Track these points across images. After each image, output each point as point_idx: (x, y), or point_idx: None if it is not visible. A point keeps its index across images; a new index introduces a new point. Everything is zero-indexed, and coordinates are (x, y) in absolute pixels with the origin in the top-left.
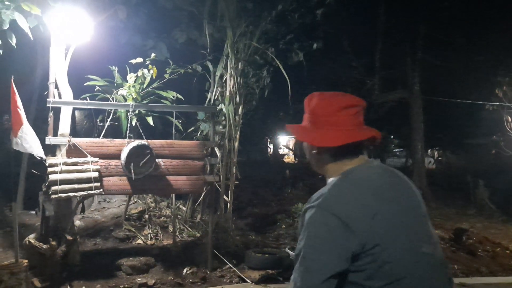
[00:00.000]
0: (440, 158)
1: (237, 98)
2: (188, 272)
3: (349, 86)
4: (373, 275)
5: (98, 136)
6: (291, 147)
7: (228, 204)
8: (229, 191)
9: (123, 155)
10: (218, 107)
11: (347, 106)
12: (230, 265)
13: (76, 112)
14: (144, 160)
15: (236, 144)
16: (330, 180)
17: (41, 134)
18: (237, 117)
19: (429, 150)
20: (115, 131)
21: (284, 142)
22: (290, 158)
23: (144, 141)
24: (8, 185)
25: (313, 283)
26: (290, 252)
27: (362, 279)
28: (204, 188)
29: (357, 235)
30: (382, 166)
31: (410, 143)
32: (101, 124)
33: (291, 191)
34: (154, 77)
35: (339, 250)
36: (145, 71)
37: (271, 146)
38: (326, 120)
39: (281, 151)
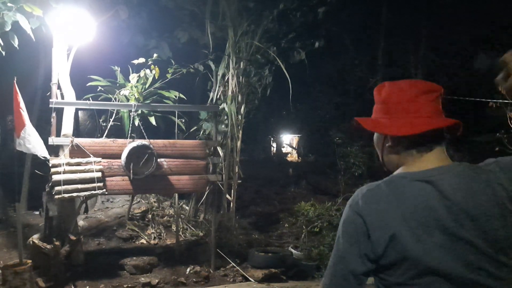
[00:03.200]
0: None
1: (239, 97)
2: (191, 271)
3: (352, 84)
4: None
5: (101, 136)
6: (294, 146)
7: (231, 203)
8: (232, 190)
9: (123, 155)
10: (221, 106)
11: (427, 91)
12: (233, 264)
13: (79, 113)
14: (144, 160)
15: (239, 143)
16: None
17: (44, 134)
18: (240, 116)
19: None
20: (119, 131)
21: (287, 141)
22: (293, 156)
23: (144, 141)
24: (12, 185)
25: (336, 279)
26: (293, 251)
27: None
28: (207, 188)
29: (374, 245)
30: (453, 179)
31: None
32: (104, 124)
33: (294, 189)
34: (156, 77)
35: (360, 250)
36: (147, 71)
37: (274, 144)
38: (404, 107)
39: (284, 150)
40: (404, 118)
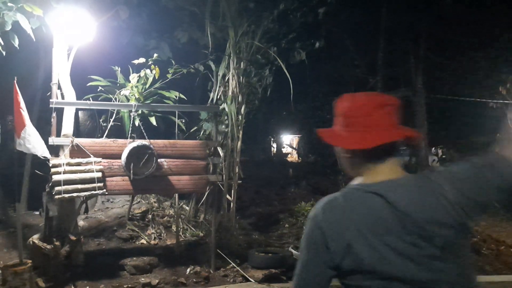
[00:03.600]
0: (443, 156)
1: (240, 98)
2: (191, 272)
3: (352, 85)
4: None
5: (101, 137)
6: (294, 146)
7: (231, 204)
8: (232, 191)
9: (123, 156)
10: (221, 107)
11: (382, 105)
12: (233, 264)
13: (79, 113)
14: (144, 160)
15: (239, 143)
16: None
17: (44, 135)
18: (240, 117)
19: (433, 148)
20: (119, 132)
21: (288, 141)
22: (293, 157)
23: (144, 141)
24: (12, 186)
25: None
26: (294, 251)
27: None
28: (207, 188)
29: (332, 255)
30: (406, 188)
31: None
32: (104, 124)
33: (294, 190)
34: (156, 77)
35: (320, 259)
36: (148, 71)
37: (274, 145)
38: (360, 121)
39: (284, 150)
40: (360, 132)
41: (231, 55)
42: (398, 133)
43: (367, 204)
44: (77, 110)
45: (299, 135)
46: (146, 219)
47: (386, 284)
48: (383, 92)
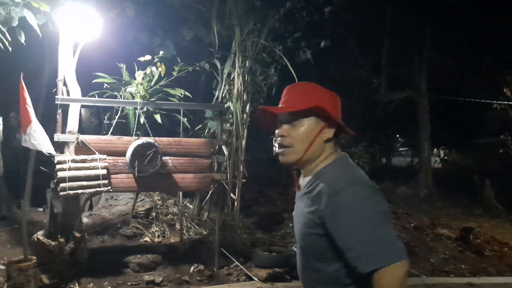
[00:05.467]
0: (446, 158)
1: (245, 96)
2: (195, 270)
3: (356, 85)
4: None
5: (106, 134)
6: None
7: (235, 202)
8: (236, 189)
9: (128, 153)
10: (226, 105)
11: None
12: (237, 263)
13: (82, 110)
14: (149, 158)
15: (243, 142)
16: (324, 163)
17: (49, 131)
18: (245, 115)
19: (435, 149)
20: (124, 129)
21: None
22: None
23: (149, 139)
24: (17, 182)
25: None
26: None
27: None
28: (212, 186)
29: None
30: None
31: (416, 142)
32: (107, 122)
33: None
34: (162, 75)
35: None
36: (153, 68)
37: (276, 144)
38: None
39: None
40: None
41: (237, 53)
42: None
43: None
44: (80, 107)
45: None
46: (150, 217)
47: None
48: (386, 93)
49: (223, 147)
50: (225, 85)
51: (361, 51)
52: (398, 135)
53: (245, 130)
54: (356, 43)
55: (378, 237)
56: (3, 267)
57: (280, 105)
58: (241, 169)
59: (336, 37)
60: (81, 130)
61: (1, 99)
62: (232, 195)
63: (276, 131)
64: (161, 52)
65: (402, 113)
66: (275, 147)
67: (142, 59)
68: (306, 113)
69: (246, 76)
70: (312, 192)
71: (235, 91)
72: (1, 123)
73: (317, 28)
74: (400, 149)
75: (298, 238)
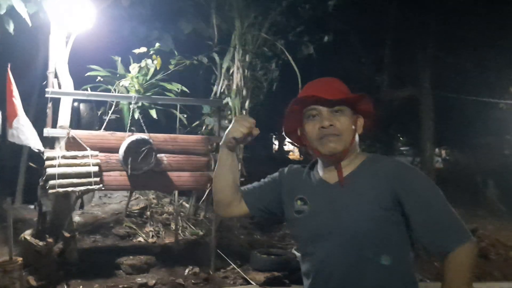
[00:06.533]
0: (447, 157)
1: (244, 92)
2: (190, 273)
3: (358, 82)
4: None
5: (100, 129)
6: (296, 144)
7: None
8: None
9: (121, 150)
10: (224, 101)
11: None
12: (234, 265)
13: (82, 105)
14: (143, 155)
15: None
16: (361, 157)
17: (43, 127)
18: (244, 112)
19: (436, 148)
20: (120, 125)
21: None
22: (295, 155)
23: (144, 135)
24: (9, 178)
25: None
26: (297, 254)
27: None
28: (208, 185)
29: None
30: None
31: (418, 141)
32: (104, 117)
33: None
34: (158, 68)
35: None
36: (149, 61)
37: (276, 142)
38: None
39: (286, 148)
40: None
41: (237, 47)
42: None
43: None
44: (78, 102)
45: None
46: (145, 216)
47: None
48: (388, 90)
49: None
50: (223, 80)
51: (363, 48)
52: (399, 134)
53: None
54: (358, 39)
55: (454, 215)
56: None
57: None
58: (240, 167)
59: (339, 32)
60: (80, 126)
61: None
62: None
63: (305, 124)
64: (157, 44)
65: (404, 111)
66: (275, 145)
67: (137, 51)
68: (346, 104)
69: (246, 71)
70: (369, 178)
71: (234, 86)
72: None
73: (320, 23)
74: (401, 148)
75: (353, 232)
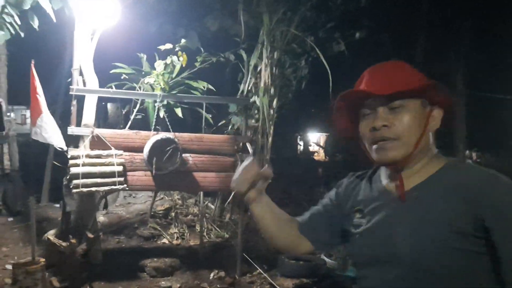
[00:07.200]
0: (478, 160)
1: (272, 90)
2: (215, 277)
3: None
4: None
5: (124, 128)
6: (321, 144)
7: None
8: None
9: (146, 149)
10: (252, 99)
11: None
12: (260, 270)
13: (109, 104)
14: (168, 155)
15: (270, 139)
16: (437, 164)
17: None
18: (271, 110)
19: (467, 151)
20: (144, 124)
21: (315, 139)
22: (320, 155)
23: (169, 135)
24: (34, 176)
25: None
26: (327, 259)
27: None
28: None
29: None
30: None
31: (449, 144)
32: (130, 116)
33: (324, 191)
34: (184, 65)
35: None
36: (174, 58)
37: (301, 142)
38: None
39: (311, 148)
40: None
41: (265, 43)
42: None
43: None
44: (106, 102)
45: (327, 133)
46: (169, 217)
47: None
48: None
49: (247, 145)
50: (251, 78)
51: (393, 46)
52: None
53: (272, 127)
54: (388, 36)
55: None
56: (11, 267)
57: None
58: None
59: (370, 30)
60: (108, 125)
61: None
62: None
63: (359, 124)
64: (183, 41)
65: None
66: (300, 145)
67: (162, 47)
68: (413, 94)
69: (274, 68)
70: (443, 192)
71: (262, 84)
72: (29, 116)
73: (351, 19)
74: None
75: (414, 261)
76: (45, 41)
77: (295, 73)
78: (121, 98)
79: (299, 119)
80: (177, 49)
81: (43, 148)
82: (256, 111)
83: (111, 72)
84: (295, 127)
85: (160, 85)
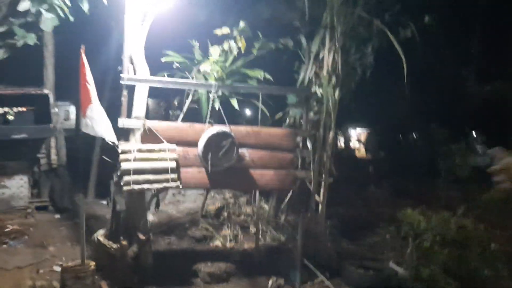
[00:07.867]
0: None
1: (334, 80)
2: (273, 285)
3: (440, 75)
4: None
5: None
6: (362, 141)
7: (320, 205)
8: (322, 190)
9: (201, 144)
10: (312, 90)
11: None
12: (323, 278)
13: (148, 99)
14: (224, 150)
15: (331, 133)
16: None
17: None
18: (335, 102)
19: None
20: (196, 116)
21: (355, 135)
22: (361, 152)
23: (225, 128)
24: (81, 170)
25: None
26: (398, 269)
27: None
28: (295, 185)
29: None
30: None
31: (503, 142)
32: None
33: (375, 190)
34: (243, 51)
35: None
36: (231, 43)
37: (341, 138)
38: None
39: (352, 145)
40: None
41: (328, 26)
42: None
43: None
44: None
45: (368, 130)
46: (221, 217)
47: None
48: (474, 85)
49: (307, 140)
50: (312, 66)
51: (449, 38)
52: (473, 133)
53: (334, 120)
54: (443, 28)
55: None
56: (59, 269)
57: None
58: (329, 166)
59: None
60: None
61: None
62: (316, 196)
63: None
64: (241, 24)
65: (490, 108)
66: (339, 142)
67: (218, 32)
68: None
69: (337, 55)
70: None
71: (325, 73)
72: (74, 111)
73: (419, 2)
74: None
75: None
76: (92, 26)
77: (361, 60)
78: (164, 92)
79: (353, 113)
80: (234, 34)
81: (88, 143)
82: (315, 103)
83: (163, 60)
84: (342, 121)
85: (217, 74)
